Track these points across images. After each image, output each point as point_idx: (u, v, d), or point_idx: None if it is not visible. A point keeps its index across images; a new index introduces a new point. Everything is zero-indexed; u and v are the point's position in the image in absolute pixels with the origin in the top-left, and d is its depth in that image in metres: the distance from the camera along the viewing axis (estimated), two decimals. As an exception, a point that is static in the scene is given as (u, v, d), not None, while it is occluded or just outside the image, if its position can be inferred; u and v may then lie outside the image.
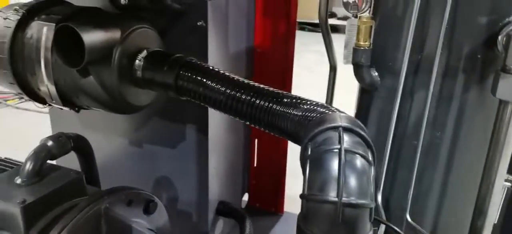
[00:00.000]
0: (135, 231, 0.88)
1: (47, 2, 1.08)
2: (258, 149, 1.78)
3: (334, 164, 0.59)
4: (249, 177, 1.81)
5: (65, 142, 0.94)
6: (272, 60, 1.48)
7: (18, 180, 0.82)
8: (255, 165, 1.80)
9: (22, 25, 1.02)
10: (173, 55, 1.01)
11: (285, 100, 0.87)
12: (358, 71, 1.03)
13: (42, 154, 0.86)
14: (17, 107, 3.50)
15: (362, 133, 0.66)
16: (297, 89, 1.25)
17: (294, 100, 0.87)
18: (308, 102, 0.85)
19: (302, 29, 6.34)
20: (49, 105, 1.12)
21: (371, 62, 1.02)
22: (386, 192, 1.10)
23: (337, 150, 0.59)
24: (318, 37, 1.20)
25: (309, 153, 0.63)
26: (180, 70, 0.97)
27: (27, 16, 1.02)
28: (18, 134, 2.81)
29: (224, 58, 1.30)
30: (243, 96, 0.91)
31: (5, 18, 1.03)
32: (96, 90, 0.99)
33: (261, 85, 0.93)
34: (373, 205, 0.60)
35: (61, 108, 1.10)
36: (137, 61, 1.01)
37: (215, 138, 1.33)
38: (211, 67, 0.98)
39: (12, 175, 0.84)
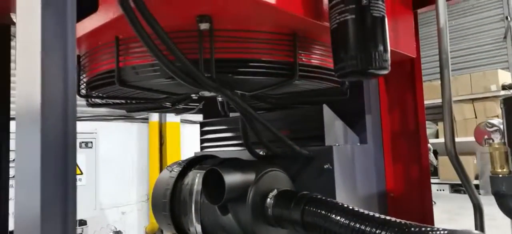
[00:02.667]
0: None
1: (202, 157, 1.33)
2: None
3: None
4: None
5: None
6: (408, 207, 1.41)
7: None
8: None
9: (182, 175, 1.26)
10: (299, 193, 1.08)
11: (413, 229, 0.83)
12: (502, 202, 0.92)
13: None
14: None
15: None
16: None
17: (423, 229, 0.82)
18: (440, 229, 0.79)
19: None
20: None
21: (517, 191, 0.91)
22: None
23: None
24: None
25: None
26: (305, 206, 1.03)
27: (186, 167, 1.27)
28: None
29: (353, 201, 1.30)
30: (369, 229, 0.90)
31: (170, 171, 1.30)
32: (233, 227, 1.11)
33: (387, 217, 0.91)
34: None
35: (205, 248, 1.23)
36: (268, 199, 1.11)
37: None
38: (335, 201, 1.02)
39: None
